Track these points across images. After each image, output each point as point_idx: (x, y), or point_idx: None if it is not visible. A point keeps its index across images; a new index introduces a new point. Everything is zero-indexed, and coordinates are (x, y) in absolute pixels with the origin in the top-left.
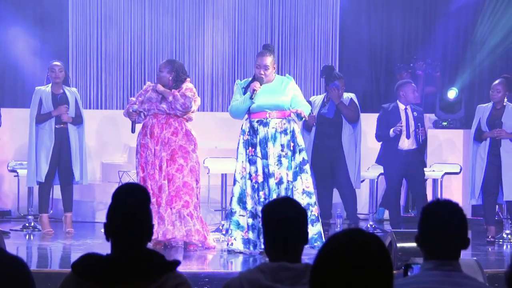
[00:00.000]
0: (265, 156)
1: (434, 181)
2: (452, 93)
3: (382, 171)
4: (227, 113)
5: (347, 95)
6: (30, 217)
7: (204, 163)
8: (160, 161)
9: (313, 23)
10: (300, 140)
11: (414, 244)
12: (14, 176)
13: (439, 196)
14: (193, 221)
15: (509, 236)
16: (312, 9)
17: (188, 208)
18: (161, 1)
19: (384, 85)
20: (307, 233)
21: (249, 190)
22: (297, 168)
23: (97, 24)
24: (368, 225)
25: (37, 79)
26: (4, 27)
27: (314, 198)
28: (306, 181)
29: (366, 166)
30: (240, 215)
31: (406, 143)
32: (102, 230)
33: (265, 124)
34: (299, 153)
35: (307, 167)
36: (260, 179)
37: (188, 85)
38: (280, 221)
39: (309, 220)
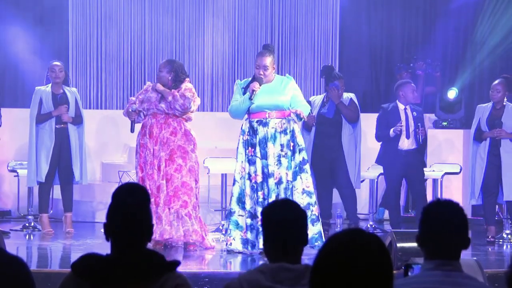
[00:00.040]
0: (264, 156)
1: (434, 181)
2: (452, 93)
3: (382, 171)
4: (227, 113)
5: (347, 95)
6: (30, 217)
7: (204, 163)
8: (159, 161)
9: (313, 23)
10: (300, 139)
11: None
12: (14, 176)
13: (439, 196)
14: (191, 221)
15: (509, 236)
16: (312, 9)
17: (186, 208)
18: (161, 1)
19: (384, 85)
20: (306, 235)
21: (248, 190)
22: (297, 168)
23: (97, 24)
24: (368, 225)
25: (37, 79)
26: (4, 27)
27: (314, 198)
28: (306, 181)
29: (366, 166)
30: (239, 215)
31: (406, 143)
32: (102, 230)
33: (265, 124)
34: (299, 153)
35: (307, 166)
36: (259, 179)
37: (187, 85)
38: (280, 223)
39: (309, 220)
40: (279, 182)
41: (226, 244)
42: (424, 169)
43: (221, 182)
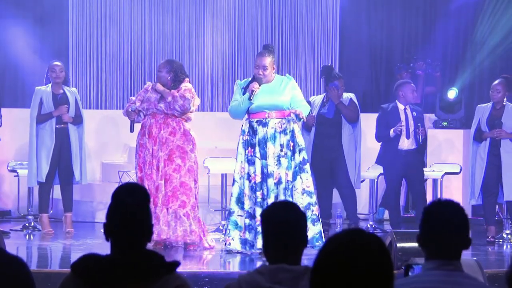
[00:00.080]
0: (264, 157)
1: (434, 181)
2: (452, 93)
3: (382, 171)
4: (227, 113)
5: (347, 95)
6: (30, 217)
7: (204, 163)
8: (158, 161)
9: (313, 23)
10: (300, 139)
11: (414, 244)
12: (14, 176)
13: (439, 196)
14: (189, 221)
15: (509, 236)
16: (312, 9)
17: (184, 208)
18: (161, 1)
19: (384, 85)
20: (306, 236)
21: (247, 191)
22: (297, 168)
23: (97, 24)
24: (368, 225)
25: (37, 79)
26: (4, 27)
27: (314, 198)
28: (306, 181)
29: (366, 166)
30: (239, 215)
31: (405, 143)
32: (102, 230)
33: (264, 125)
34: (299, 153)
35: (307, 166)
36: (258, 179)
37: (187, 85)
38: (280, 224)
39: (310, 220)
40: (278, 182)
41: (225, 244)
42: (424, 169)
43: (221, 182)
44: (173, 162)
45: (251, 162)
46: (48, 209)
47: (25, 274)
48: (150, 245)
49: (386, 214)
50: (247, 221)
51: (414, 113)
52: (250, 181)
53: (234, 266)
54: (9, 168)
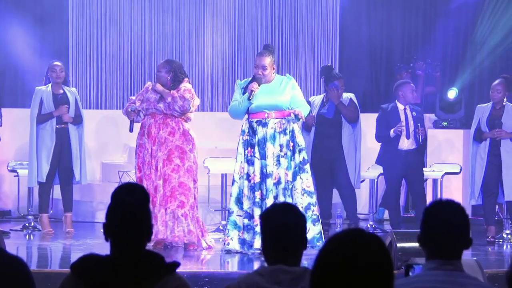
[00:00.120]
0: (263, 157)
1: (434, 181)
2: (452, 93)
3: (382, 171)
4: (227, 113)
5: (347, 95)
6: (30, 217)
7: (204, 163)
8: (157, 161)
9: (313, 23)
10: (300, 140)
11: (414, 244)
12: (14, 176)
13: (439, 196)
14: (187, 221)
15: (509, 236)
16: (312, 9)
17: (183, 208)
18: (161, 1)
19: (384, 85)
20: (306, 238)
21: (246, 191)
22: (297, 168)
23: (97, 24)
24: (368, 225)
25: (37, 79)
26: (4, 27)
27: (315, 198)
28: (307, 181)
29: (366, 166)
30: (238, 215)
31: (405, 143)
32: (102, 230)
33: (264, 125)
34: (299, 153)
35: (307, 166)
36: (257, 179)
37: (186, 85)
38: (281, 227)
39: (310, 220)
40: (277, 183)
41: (224, 244)
42: (424, 169)
43: (221, 182)
44: (172, 162)
45: (250, 162)
46: (48, 209)
47: (25, 274)
48: (150, 245)
49: (386, 214)
50: (246, 221)
51: (414, 113)
52: (249, 181)
53: (233, 266)
54: (9, 168)
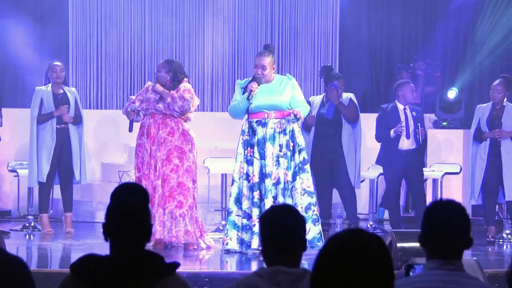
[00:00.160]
0: (262, 157)
1: (434, 181)
2: (452, 93)
3: (382, 171)
4: (227, 113)
5: (346, 95)
6: (30, 217)
7: (204, 163)
8: (156, 161)
9: (313, 23)
10: (300, 140)
11: (414, 244)
12: (14, 176)
13: (439, 196)
14: (184, 222)
15: (509, 236)
16: (312, 9)
17: (181, 208)
18: (161, 1)
19: (384, 85)
20: (305, 240)
21: (245, 191)
22: (297, 168)
23: (97, 24)
24: (368, 225)
25: (37, 79)
26: (4, 26)
27: (315, 198)
28: (307, 181)
29: (366, 166)
30: (237, 215)
31: (405, 143)
32: (101, 231)
33: (264, 125)
34: (299, 153)
35: (307, 166)
36: (256, 179)
37: (186, 85)
38: (279, 228)
39: (311, 220)
40: (277, 183)
41: (223, 243)
42: (424, 169)
43: (221, 182)
44: (171, 162)
45: (250, 162)
46: (48, 209)
47: (25, 274)
48: (149, 245)
49: (386, 214)
50: (245, 221)
51: (413, 113)
52: (248, 181)
53: (231, 265)
54: (9, 168)
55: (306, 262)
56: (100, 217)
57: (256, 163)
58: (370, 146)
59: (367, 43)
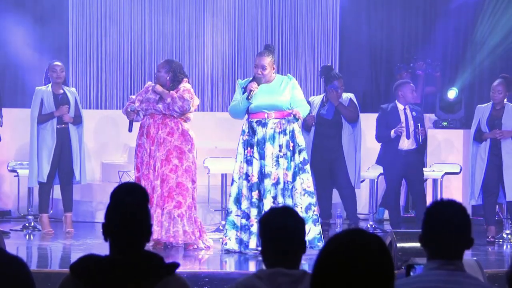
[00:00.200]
0: (262, 157)
1: (434, 181)
2: (452, 93)
3: (382, 171)
4: (227, 113)
5: (346, 95)
6: (30, 217)
7: (204, 163)
8: (155, 161)
9: (313, 23)
10: (300, 140)
11: (414, 244)
12: (14, 176)
13: (439, 196)
14: (182, 222)
15: (509, 236)
16: (312, 9)
17: (180, 208)
18: (161, 1)
19: (384, 85)
20: (305, 242)
21: (245, 191)
22: (297, 169)
23: (97, 24)
24: (368, 225)
25: (37, 79)
26: (4, 26)
27: (315, 198)
28: (307, 181)
29: (366, 166)
30: (236, 215)
31: (405, 143)
32: (101, 230)
33: (264, 125)
34: (299, 153)
35: (307, 167)
36: (255, 179)
37: (185, 85)
38: (279, 230)
39: (311, 220)
40: (276, 183)
41: (222, 243)
42: (424, 169)
43: (221, 182)
44: (170, 163)
45: (249, 162)
46: (48, 209)
47: (25, 274)
48: (149, 245)
49: (386, 214)
50: (243, 221)
51: (413, 113)
52: (248, 181)
53: (230, 265)
54: (9, 168)
55: (306, 262)
56: (100, 217)
57: (256, 163)
58: (370, 146)
59: (367, 43)
